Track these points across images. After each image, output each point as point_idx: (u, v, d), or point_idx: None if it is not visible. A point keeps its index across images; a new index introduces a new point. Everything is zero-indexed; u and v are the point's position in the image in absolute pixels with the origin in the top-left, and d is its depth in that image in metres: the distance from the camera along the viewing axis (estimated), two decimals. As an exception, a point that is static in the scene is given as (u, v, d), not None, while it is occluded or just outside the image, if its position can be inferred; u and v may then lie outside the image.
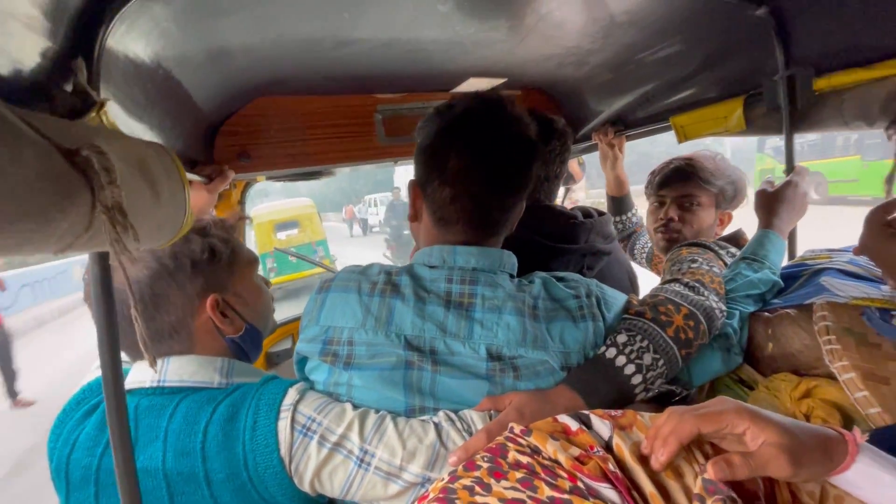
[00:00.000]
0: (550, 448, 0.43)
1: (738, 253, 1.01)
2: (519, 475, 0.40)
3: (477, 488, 0.38)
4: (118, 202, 0.37)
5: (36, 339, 8.01)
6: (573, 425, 0.47)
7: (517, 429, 0.47)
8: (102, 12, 0.49)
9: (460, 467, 0.42)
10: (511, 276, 0.72)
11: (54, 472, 0.66)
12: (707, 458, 0.43)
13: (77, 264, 11.95)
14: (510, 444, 0.44)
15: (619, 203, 1.54)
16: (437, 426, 0.61)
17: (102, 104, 0.45)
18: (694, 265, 0.83)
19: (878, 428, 0.60)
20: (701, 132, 1.22)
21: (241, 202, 1.54)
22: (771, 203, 0.93)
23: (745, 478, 0.40)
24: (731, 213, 1.24)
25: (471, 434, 0.60)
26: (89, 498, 0.64)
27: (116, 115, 0.62)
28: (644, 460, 0.42)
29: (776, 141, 9.57)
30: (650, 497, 0.40)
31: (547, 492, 0.38)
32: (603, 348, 0.65)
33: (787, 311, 0.79)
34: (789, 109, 0.94)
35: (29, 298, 9.88)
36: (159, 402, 0.66)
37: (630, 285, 1.12)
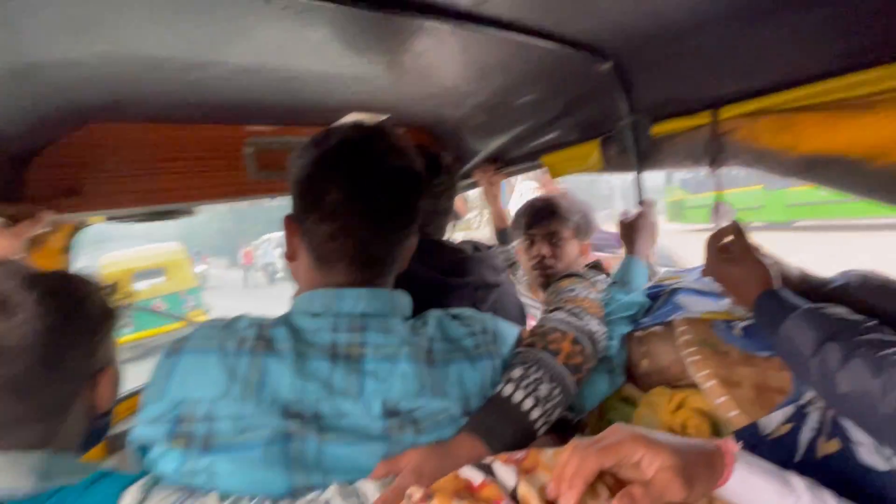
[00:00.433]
0: None
1: (608, 278, 1.11)
2: None
3: None
4: None
5: None
6: (476, 478, 0.45)
7: (417, 494, 0.43)
8: None
9: None
10: (405, 318, 0.66)
11: None
12: (609, 488, 0.43)
13: None
14: None
15: (503, 234, 1.63)
16: None
17: None
18: (572, 293, 0.88)
19: (737, 430, 0.67)
20: (567, 170, 1.35)
21: (66, 249, 1.26)
22: (629, 233, 1.11)
23: None
24: (588, 244, 1.32)
25: None
26: None
27: None
28: None
29: (684, 174, 10.27)
30: None
31: None
32: (500, 386, 0.62)
33: (655, 328, 0.86)
34: (636, 150, 1.08)
35: None
36: None
37: (520, 316, 1.15)
